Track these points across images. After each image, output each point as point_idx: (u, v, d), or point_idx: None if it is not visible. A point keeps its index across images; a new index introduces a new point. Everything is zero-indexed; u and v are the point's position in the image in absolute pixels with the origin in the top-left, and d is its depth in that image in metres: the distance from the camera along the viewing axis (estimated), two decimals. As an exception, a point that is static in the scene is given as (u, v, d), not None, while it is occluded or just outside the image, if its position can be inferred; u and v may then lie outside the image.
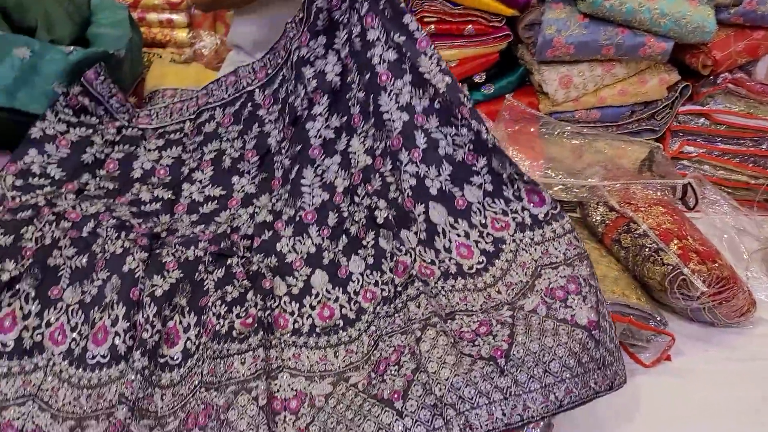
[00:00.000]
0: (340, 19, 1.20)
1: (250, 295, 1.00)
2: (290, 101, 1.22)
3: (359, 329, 0.95)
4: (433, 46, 1.12)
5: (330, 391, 0.86)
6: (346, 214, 1.10)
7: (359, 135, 1.16)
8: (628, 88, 1.47)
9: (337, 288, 1.02)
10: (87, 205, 1.13)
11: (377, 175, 1.10)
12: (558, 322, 0.85)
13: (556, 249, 0.95)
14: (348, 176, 1.13)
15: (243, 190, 1.22)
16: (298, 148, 1.20)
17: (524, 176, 1.02)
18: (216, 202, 1.22)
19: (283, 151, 1.23)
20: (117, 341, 0.96)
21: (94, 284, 1.02)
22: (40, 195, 1.13)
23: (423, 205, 1.05)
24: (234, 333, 0.95)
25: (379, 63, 1.14)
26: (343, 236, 1.08)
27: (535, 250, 0.96)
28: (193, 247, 1.07)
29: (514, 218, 1.01)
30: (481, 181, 1.05)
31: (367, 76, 1.16)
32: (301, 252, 1.08)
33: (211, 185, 1.24)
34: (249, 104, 1.30)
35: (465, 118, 1.06)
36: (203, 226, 1.16)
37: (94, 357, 0.95)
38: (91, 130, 1.28)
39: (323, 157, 1.16)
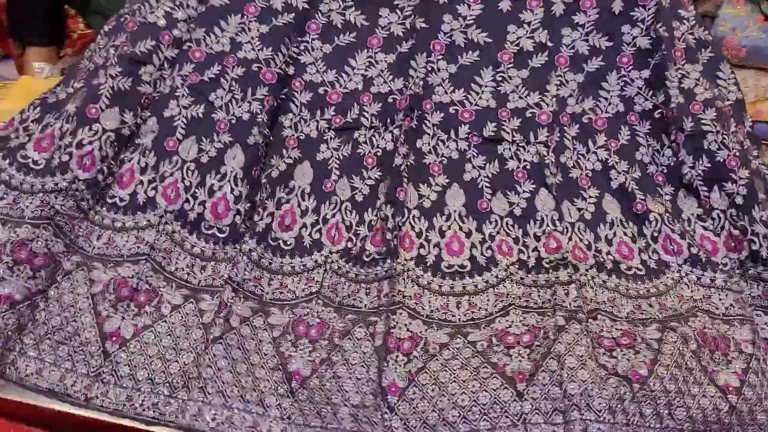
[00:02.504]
0: None
1: (382, 189, 0.97)
2: None
3: (486, 282, 0.92)
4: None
5: (446, 342, 0.85)
6: (508, 137, 1.03)
7: (561, 76, 1.08)
8: (791, 105, 1.36)
9: (470, 218, 0.96)
10: (212, 39, 1.02)
11: (559, 130, 1.05)
12: (701, 367, 0.84)
13: (720, 301, 0.94)
14: (525, 96, 1.05)
15: (389, 29, 1.07)
16: (488, 40, 1.06)
17: (705, 221, 1.01)
18: (355, 34, 1.06)
19: (461, 18, 1.05)
20: (237, 220, 0.93)
21: (213, 145, 0.97)
22: (160, 6, 1.01)
23: (598, 190, 1.03)
24: (365, 256, 0.93)
25: (630, 44, 1.08)
26: (496, 161, 1.02)
27: (698, 290, 0.95)
28: (317, 118, 1.02)
29: (689, 246, 1.00)
30: (663, 201, 1.04)
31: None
32: (442, 155, 1.01)
33: (354, 8, 1.08)
34: None
35: (677, 144, 1.04)
36: (334, 71, 1.04)
37: (210, 228, 0.93)
38: None
39: (511, 64, 1.06)
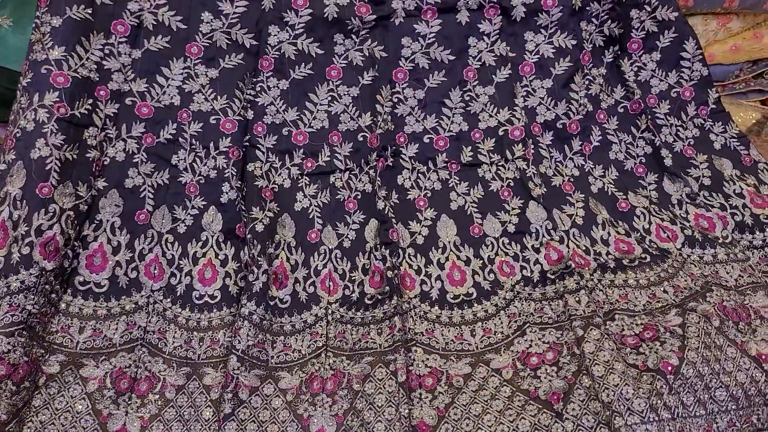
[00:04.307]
0: None
1: (369, 233, 0.94)
2: None
3: (496, 306, 0.90)
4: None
5: (469, 372, 0.82)
6: (486, 160, 1.01)
7: (527, 85, 1.06)
8: (741, 44, 1.35)
9: (466, 246, 0.96)
10: (158, 91, 0.94)
11: (532, 142, 1.03)
12: (729, 342, 0.80)
13: (728, 274, 0.92)
14: (495, 114, 1.03)
15: (347, 57, 1.01)
16: (451, 57, 1.03)
17: (696, 200, 1.01)
18: (311, 65, 0.99)
19: (420, 38, 1.01)
20: (228, 282, 0.89)
21: (188, 213, 0.94)
22: (89, 56, 0.89)
23: (583, 194, 1.02)
24: (366, 299, 0.89)
25: (588, 41, 1.08)
26: (479, 185, 1.00)
27: (705, 267, 0.93)
28: (287, 167, 0.97)
29: (682, 229, 0.99)
30: (647, 194, 1.04)
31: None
32: (425, 188, 1.00)
33: (305, 35, 0.98)
34: None
35: (650, 129, 1.06)
36: (295, 110, 0.98)
37: (201, 297, 0.89)
38: None
39: (476, 81, 1.03)
